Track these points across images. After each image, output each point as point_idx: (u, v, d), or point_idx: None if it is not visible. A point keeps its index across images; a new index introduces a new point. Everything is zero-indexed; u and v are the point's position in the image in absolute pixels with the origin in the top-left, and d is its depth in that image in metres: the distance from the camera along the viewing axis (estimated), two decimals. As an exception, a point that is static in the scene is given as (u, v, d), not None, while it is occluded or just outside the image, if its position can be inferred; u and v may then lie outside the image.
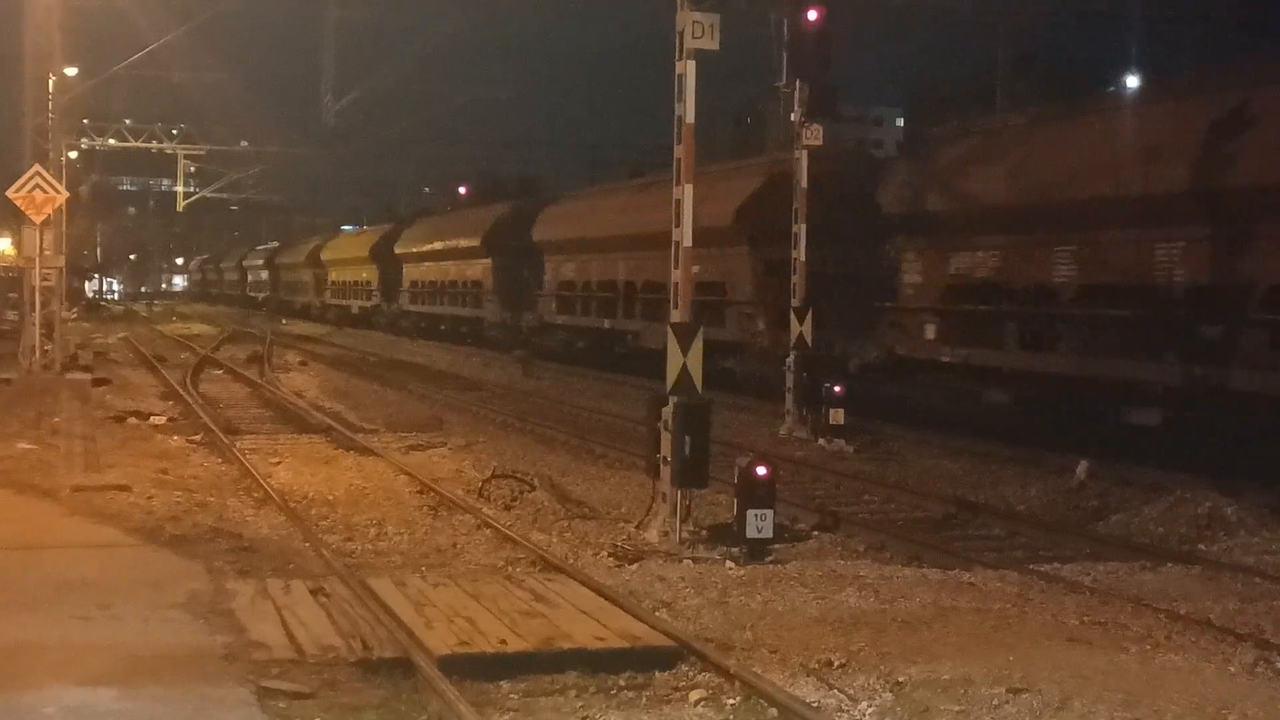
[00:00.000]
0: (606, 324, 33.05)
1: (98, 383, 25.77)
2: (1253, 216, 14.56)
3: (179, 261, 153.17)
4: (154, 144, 63.81)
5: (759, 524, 11.53)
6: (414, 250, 50.91)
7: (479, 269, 43.16)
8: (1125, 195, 16.43)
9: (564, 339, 36.16)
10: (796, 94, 20.54)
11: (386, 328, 53.39)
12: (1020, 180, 18.62)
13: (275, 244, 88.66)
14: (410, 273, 52.01)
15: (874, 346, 22.29)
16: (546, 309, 37.34)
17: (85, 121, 57.45)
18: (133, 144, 62.90)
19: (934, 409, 20.94)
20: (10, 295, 42.01)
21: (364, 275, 59.58)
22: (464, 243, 44.04)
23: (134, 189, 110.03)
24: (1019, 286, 18.59)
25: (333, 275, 67.21)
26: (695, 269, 27.03)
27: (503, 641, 8.10)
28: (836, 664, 8.04)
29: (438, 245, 47.78)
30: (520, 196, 46.45)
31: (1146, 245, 16.21)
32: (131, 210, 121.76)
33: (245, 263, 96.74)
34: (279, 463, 16.81)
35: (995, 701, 7.37)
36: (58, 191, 25.34)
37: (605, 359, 32.48)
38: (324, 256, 68.39)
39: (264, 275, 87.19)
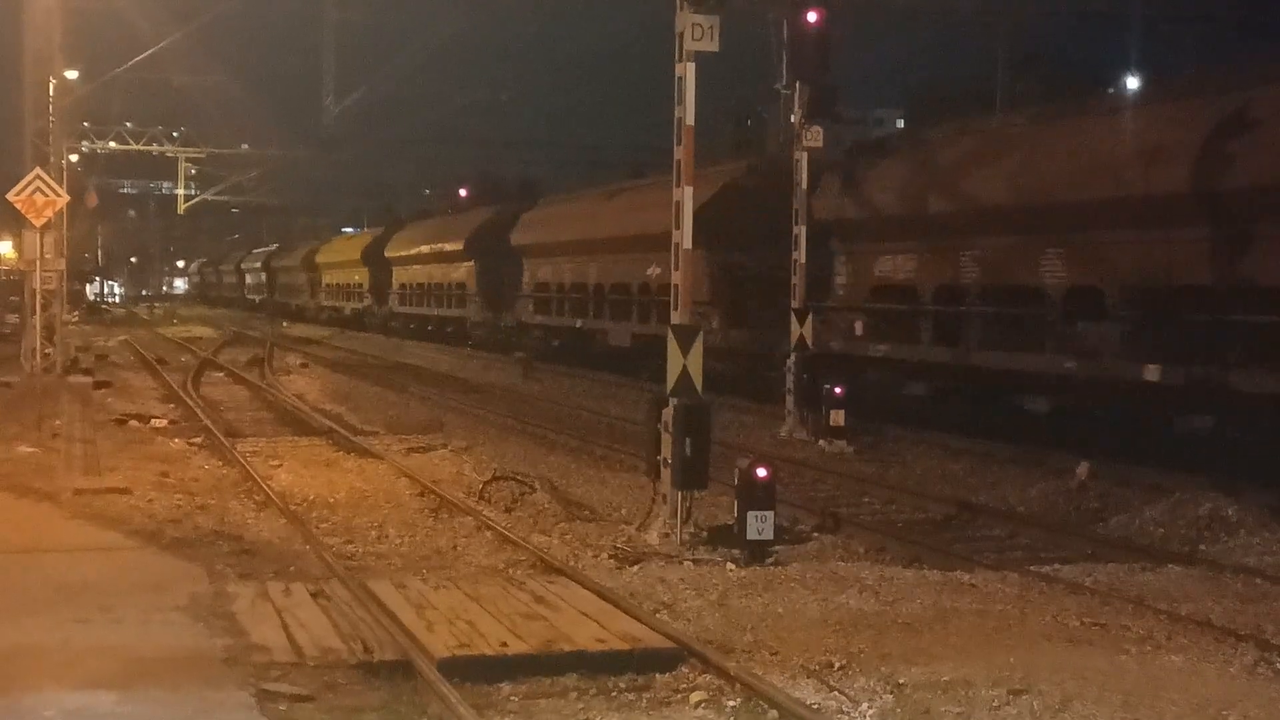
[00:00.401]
0: (579, 323, 34.67)
1: (99, 386, 25.81)
2: (1102, 228, 17.02)
3: (180, 264, 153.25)
4: (154, 147, 63.86)
5: (760, 526, 11.52)
6: (403, 254, 52.86)
7: (463, 271, 44.98)
8: (1012, 205, 18.61)
9: (541, 338, 37.74)
10: (796, 95, 20.56)
11: (377, 329, 55.17)
12: (927, 194, 20.77)
13: (272, 247, 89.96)
14: (399, 275, 53.93)
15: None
16: (525, 309, 39.12)
17: (86, 124, 57.53)
18: (133, 147, 62.95)
19: (935, 411, 20.95)
20: (11, 298, 42.04)
21: (355, 278, 61.38)
22: (449, 246, 45.88)
23: (134, 192, 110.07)
24: (932, 288, 20.73)
25: (326, 278, 68.92)
26: (658, 270, 28.80)
27: (503, 644, 8.10)
28: (837, 666, 8.04)
29: (425, 249, 49.62)
30: (520, 198, 46.66)
31: (1032, 251, 18.25)
32: (132, 213, 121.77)
33: (243, 265, 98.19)
34: (280, 465, 16.82)
35: (996, 703, 7.37)
36: (58, 194, 25.36)
37: (580, 356, 34.09)
38: (318, 259, 70.03)
39: (261, 278, 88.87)
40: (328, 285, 68.69)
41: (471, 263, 43.45)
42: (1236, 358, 14.95)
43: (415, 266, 51.11)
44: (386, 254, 54.78)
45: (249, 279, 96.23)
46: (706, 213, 24.49)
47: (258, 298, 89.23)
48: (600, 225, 33.16)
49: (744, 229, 24.78)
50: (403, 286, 52.96)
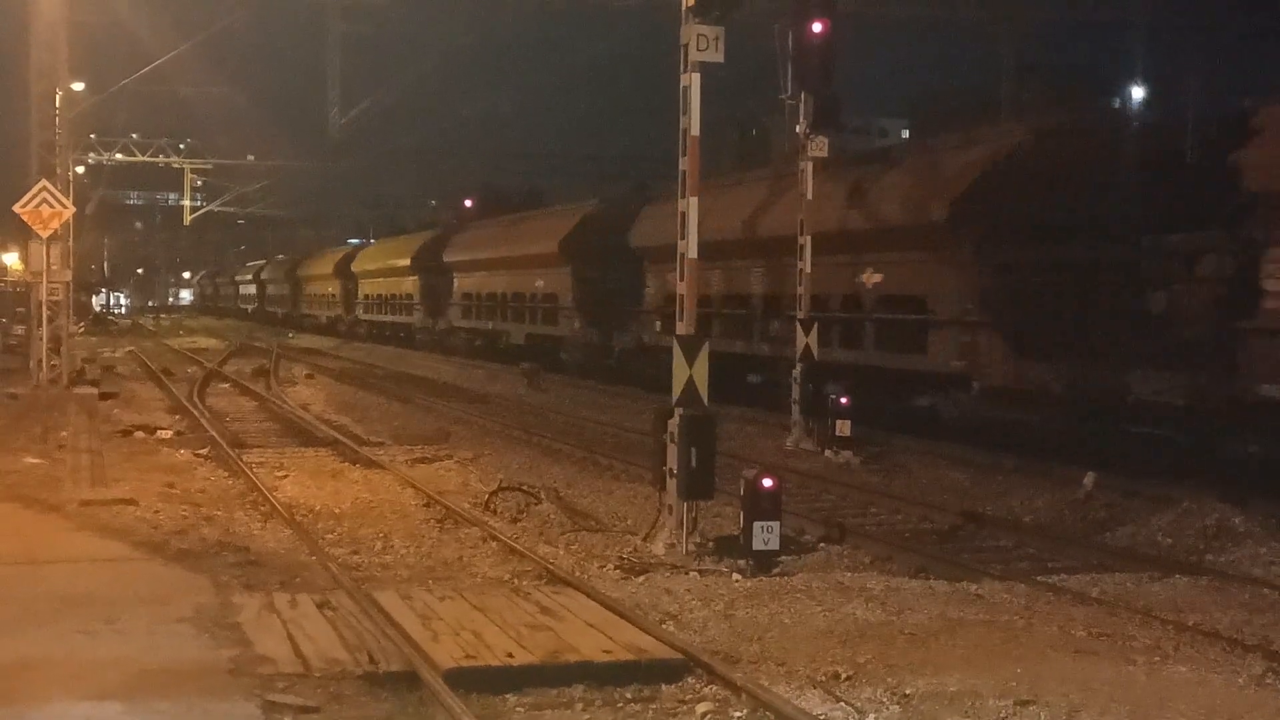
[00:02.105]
0: (490, 325, 43.32)
1: (105, 397, 25.82)
2: (781, 254, 22.89)
3: (186, 275, 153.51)
4: (161, 158, 64.02)
5: (765, 536, 11.50)
6: (366, 268, 62.05)
7: (409, 284, 53.79)
8: (746, 239, 25.44)
9: (466, 339, 45.73)
10: (801, 106, 20.56)
11: (344, 334, 63.93)
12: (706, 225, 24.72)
13: (262, 261, 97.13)
14: (364, 287, 63.11)
15: (631, 337, 32.34)
16: (454, 315, 47.60)
17: (92, 136, 57.67)
18: (140, 158, 63.09)
19: (948, 422, 20.95)
20: (18, 310, 42.11)
21: (329, 289, 70.32)
22: (399, 263, 54.55)
23: (141, 203, 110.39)
24: (710, 295, 26.71)
25: (307, 289, 77.01)
26: (540, 284, 36.49)
27: (509, 655, 8.09)
28: (843, 676, 8.02)
29: (382, 264, 58.74)
30: (525, 208, 47.27)
31: (745, 270, 26.04)
32: (138, 224, 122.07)
33: (237, 278, 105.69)
34: (285, 476, 16.82)
35: (1003, 714, 7.35)
36: (64, 206, 25.41)
37: (492, 353, 41.86)
38: (299, 273, 78.52)
39: (252, 290, 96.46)
40: (308, 295, 76.74)
41: (415, 277, 52.04)
42: (871, 343, 22.06)
43: (376, 279, 60.31)
44: (353, 269, 63.65)
45: (242, 290, 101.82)
46: (568, 240, 35.69)
47: (249, 308, 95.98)
48: (505, 247, 41.61)
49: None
50: (366, 297, 62.69)
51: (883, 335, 21.87)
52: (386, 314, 58.26)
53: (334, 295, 68.37)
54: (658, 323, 30.66)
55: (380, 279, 59.25)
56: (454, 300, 47.50)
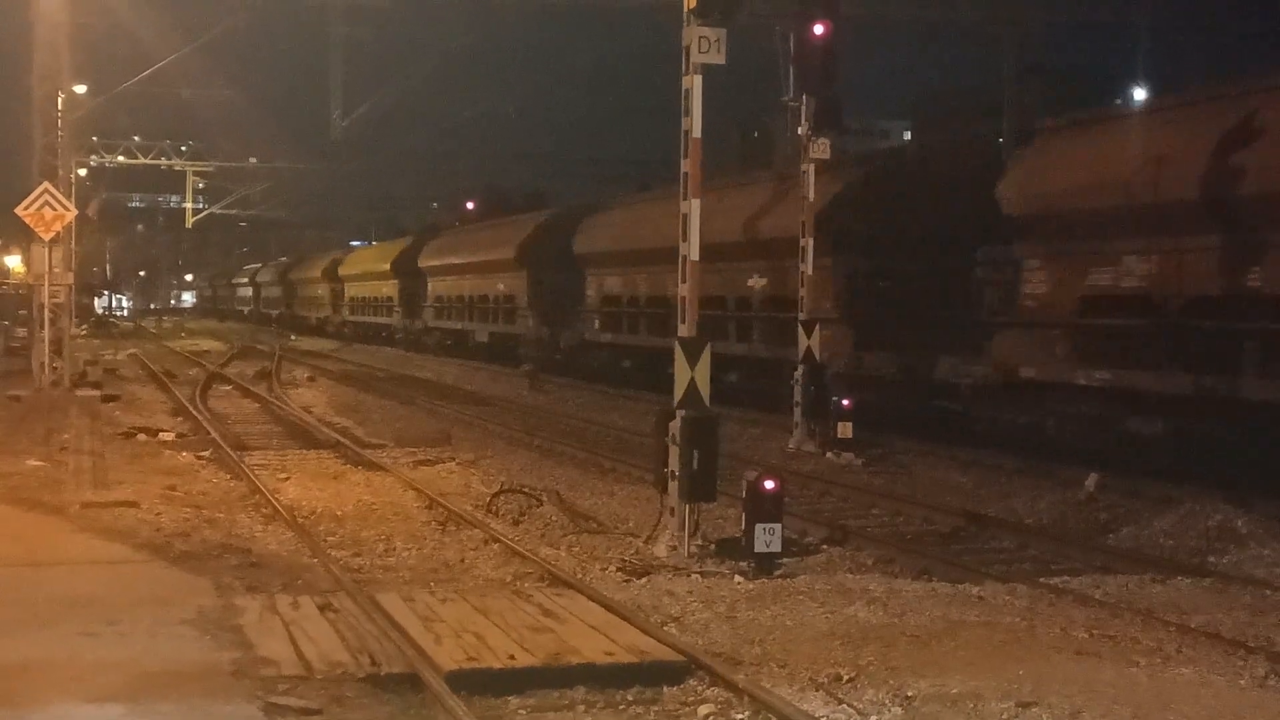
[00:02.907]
0: (459, 325, 47.32)
1: (107, 399, 25.83)
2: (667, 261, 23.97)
3: (188, 278, 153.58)
4: (163, 161, 64.05)
5: (767, 538, 11.50)
6: (352, 272, 66.04)
7: (389, 287, 57.67)
8: (652, 248, 27.80)
9: (438, 338, 49.32)
10: (803, 108, 20.57)
11: (333, 335, 67.27)
12: (626, 238, 32.45)
13: (258, 265, 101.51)
14: (350, 290, 66.91)
15: (575, 335, 36.26)
16: (429, 316, 51.54)
17: (94, 139, 57.71)
18: (142, 161, 63.12)
19: (945, 423, 20.98)
20: (20, 312, 42.13)
21: (319, 292, 74.05)
22: (380, 267, 58.54)
23: (143, 205, 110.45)
24: (627, 297, 32.72)
25: (299, 292, 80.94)
26: (501, 286, 41.30)
27: (511, 657, 8.08)
28: (845, 678, 8.02)
29: (366, 269, 62.47)
30: (527, 210, 47.53)
31: (665, 275, 27.16)
32: (140, 227, 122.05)
33: (235, 281, 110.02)
34: (287, 478, 16.82)
35: (1004, 716, 7.35)
36: (66, 209, 25.42)
37: (461, 351, 45.55)
38: (291, 276, 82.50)
39: (249, 292, 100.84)
40: (300, 298, 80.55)
41: (395, 280, 55.95)
42: (759, 336, 26.15)
43: (360, 283, 64.27)
44: (340, 273, 67.69)
45: (239, 292, 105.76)
46: (526, 244, 40.05)
47: (246, 309, 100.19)
48: (471, 252, 45.61)
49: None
50: (352, 299, 66.60)
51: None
52: (369, 315, 62.28)
53: (323, 298, 72.69)
54: (596, 321, 34.96)
55: (365, 282, 63.27)
56: (428, 302, 51.81)
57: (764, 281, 25.60)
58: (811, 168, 20.91)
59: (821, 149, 20.73)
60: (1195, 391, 15.65)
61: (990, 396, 19.51)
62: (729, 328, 26.82)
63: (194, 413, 24.66)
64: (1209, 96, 16.81)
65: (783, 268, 23.88)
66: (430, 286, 51.55)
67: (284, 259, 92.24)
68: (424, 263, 51.55)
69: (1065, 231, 18.06)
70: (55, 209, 24.67)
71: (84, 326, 57.90)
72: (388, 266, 56.32)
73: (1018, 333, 18.92)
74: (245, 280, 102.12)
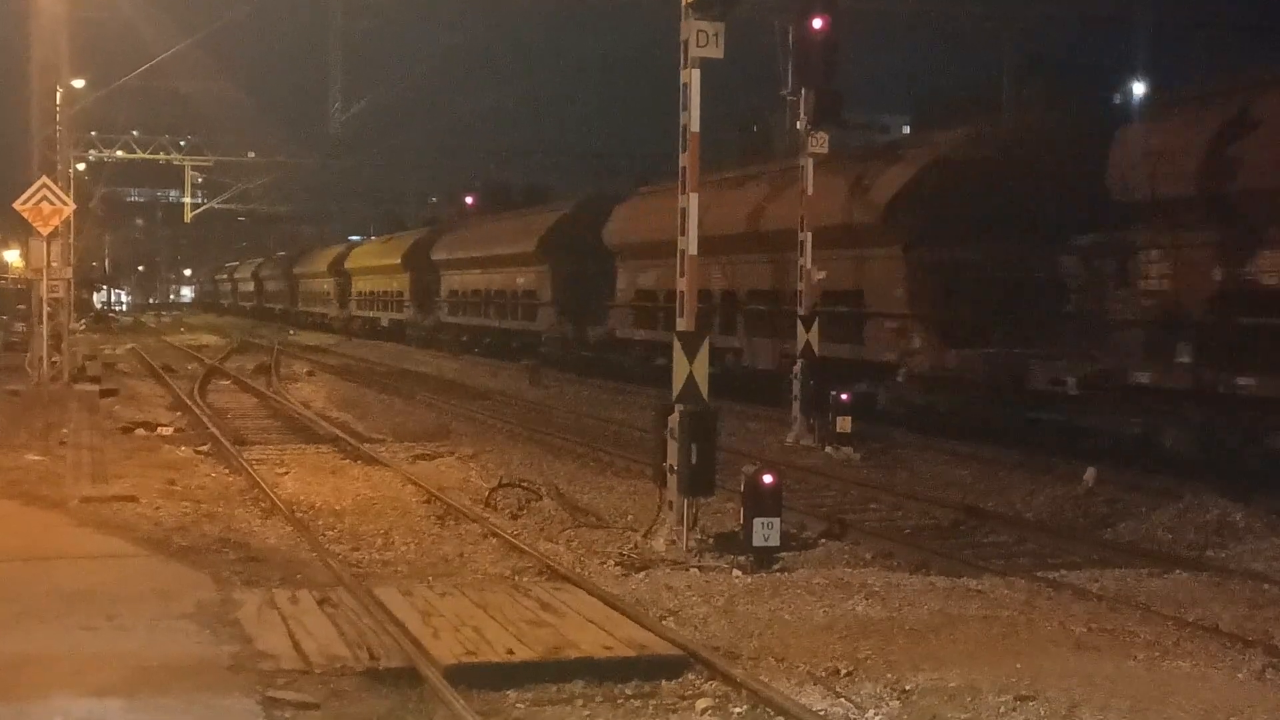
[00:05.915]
0: (476, 321, 46.13)
1: (106, 394, 25.82)
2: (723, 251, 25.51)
3: (187, 273, 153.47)
4: (161, 155, 63.97)
5: (766, 532, 11.51)
6: (359, 266, 64.39)
7: (400, 281, 56.06)
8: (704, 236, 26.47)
9: (455, 334, 47.92)
10: (802, 102, 20.54)
11: (340, 329, 65.49)
12: (657, 229, 27.24)
13: (260, 259, 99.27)
14: (357, 284, 65.44)
15: (604, 329, 34.02)
16: (443, 312, 50.14)
17: (93, 133, 57.65)
18: (140, 155, 63.05)
19: (944, 416, 20.96)
20: (19, 307, 42.12)
21: (324, 286, 72.34)
22: (390, 261, 56.90)
23: (142, 200, 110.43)
24: (664, 292, 29.56)
25: (303, 286, 79.42)
26: (521, 281, 40.34)
27: (510, 651, 8.09)
28: (843, 672, 8.03)
29: (375, 262, 60.97)
30: (526, 205, 47.45)
31: (703, 266, 26.94)
32: (139, 221, 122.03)
33: (236, 275, 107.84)
34: (286, 473, 16.83)
35: (1003, 709, 7.36)
36: (65, 203, 25.40)
37: (481, 348, 44.42)
38: (295, 270, 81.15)
39: (251, 287, 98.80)
40: (303, 292, 79.05)
41: (407, 274, 54.35)
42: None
43: (368, 276, 63.31)
44: (347, 266, 66.47)
45: (241, 287, 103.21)
46: (549, 237, 38.28)
47: (248, 304, 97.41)
48: (488, 246, 44.21)
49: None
50: (359, 294, 65.12)
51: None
52: (379, 310, 60.63)
53: (329, 292, 70.77)
54: (630, 316, 32.78)
55: (373, 276, 61.61)
56: (442, 297, 50.55)
57: (823, 274, 23.04)
58: (810, 162, 20.90)
59: (820, 143, 20.72)
60: None
61: (1097, 403, 17.41)
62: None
63: (193, 407, 24.65)
64: None
65: (844, 257, 22.90)
66: (444, 281, 50.33)
67: (283, 253, 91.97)
68: (437, 255, 50.33)
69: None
70: (53, 203, 24.63)
71: (83, 321, 57.85)
72: (399, 260, 54.90)
73: (1134, 332, 16.78)
74: (248, 275, 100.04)
